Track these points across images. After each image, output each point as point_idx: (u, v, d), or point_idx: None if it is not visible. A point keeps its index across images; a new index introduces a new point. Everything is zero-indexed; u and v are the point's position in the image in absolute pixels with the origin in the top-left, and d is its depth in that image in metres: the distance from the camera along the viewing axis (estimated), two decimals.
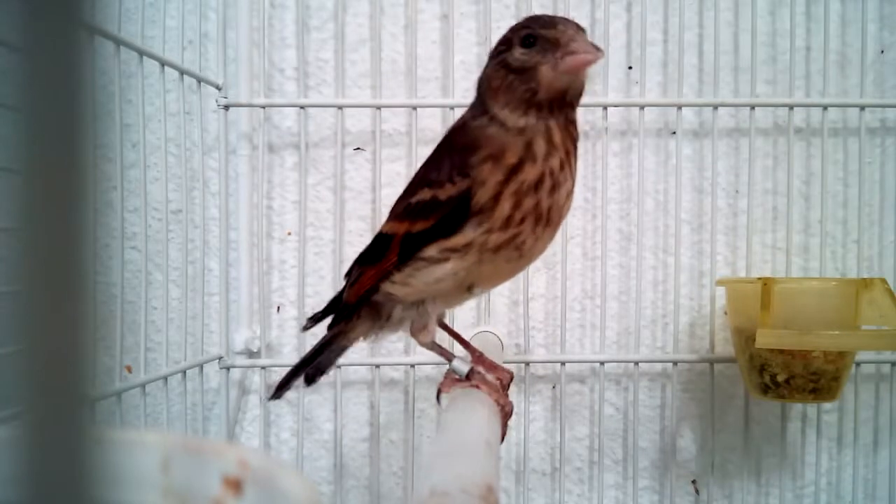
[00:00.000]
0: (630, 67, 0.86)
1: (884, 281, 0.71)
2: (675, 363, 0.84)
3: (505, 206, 0.48)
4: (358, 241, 0.86)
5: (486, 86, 0.50)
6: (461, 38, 0.86)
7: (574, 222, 0.86)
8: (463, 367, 0.55)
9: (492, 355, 0.61)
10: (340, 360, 0.82)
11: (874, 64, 0.85)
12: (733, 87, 0.86)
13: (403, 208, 0.52)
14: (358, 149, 0.86)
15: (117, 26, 0.66)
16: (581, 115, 0.85)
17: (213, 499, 0.30)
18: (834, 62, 0.85)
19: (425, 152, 0.85)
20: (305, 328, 0.65)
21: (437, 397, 0.57)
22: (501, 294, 0.86)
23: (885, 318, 0.70)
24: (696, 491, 0.87)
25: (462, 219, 0.49)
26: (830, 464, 0.87)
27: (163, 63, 0.74)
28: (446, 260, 0.50)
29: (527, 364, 0.84)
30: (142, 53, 0.69)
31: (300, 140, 0.83)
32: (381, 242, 0.54)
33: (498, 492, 0.36)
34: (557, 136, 0.49)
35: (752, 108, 0.82)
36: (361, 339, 0.60)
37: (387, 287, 0.54)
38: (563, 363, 0.84)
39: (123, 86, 0.67)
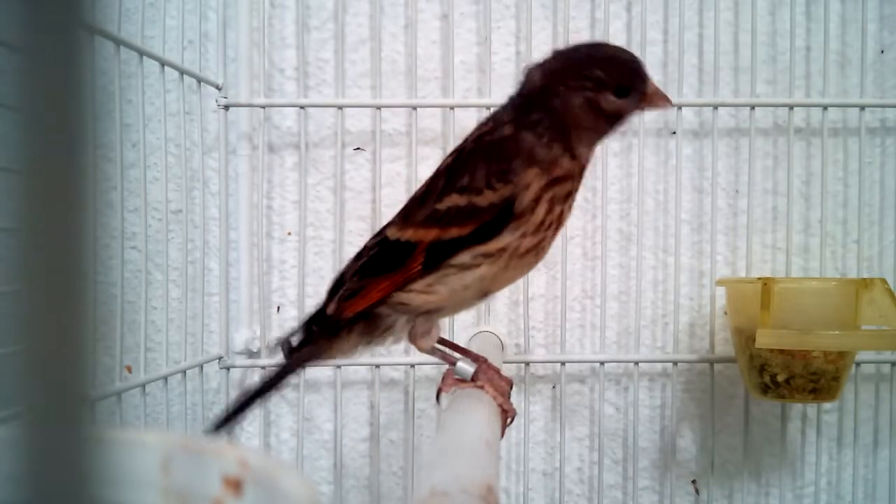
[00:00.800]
0: None
1: (884, 281, 0.71)
2: (675, 363, 0.84)
3: (540, 211, 0.51)
4: (358, 240, 0.86)
5: (568, 117, 0.52)
6: (461, 38, 0.86)
7: (574, 222, 0.86)
8: (469, 368, 0.55)
9: (492, 356, 0.61)
10: (341, 361, 0.83)
11: (874, 64, 0.85)
12: (733, 87, 0.86)
13: (429, 215, 0.52)
14: (358, 149, 0.86)
15: (117, 26, 0.66)
16: None
17: (213, 499, 0.30)
18: (834, 62, 0.85)
19: (425, 152, 0.86)
20: (277, 345, 0.61)
21: (437, 397, 0.57)
22: (501, 294, 0.86)
23: (885, 318, 0.70)
24: (696, 491, 0.87)
25: (502, 224, 0.51)
26: (830, 464, 0.87)
27: (163, 63, 0.74)
28: (478, 266, 0.51)
29: (527, 364, 0.84)
30: (142, 53, 0.69)
31: (300, 140, 0.83)
32: (396, 251, 0.53)
33: (498, 492, 0.36)
34: (586, 163, 0.54)
35: (752, 108, 0.82)
36: (341, 356, 0.57)
37: (401, 297, 0.53)
38: (563, 363, 0.84)
39: (123, 86, 0.67)
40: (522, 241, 0.51)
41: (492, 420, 0.50)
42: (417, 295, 0.52)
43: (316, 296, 0.86)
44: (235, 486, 0.29)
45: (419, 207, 0.53)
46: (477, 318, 0.86)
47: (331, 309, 0.55)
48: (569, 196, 0.53)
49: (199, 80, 0.80)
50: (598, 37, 0.85)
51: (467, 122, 0.86)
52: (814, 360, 0.71)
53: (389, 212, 0.85)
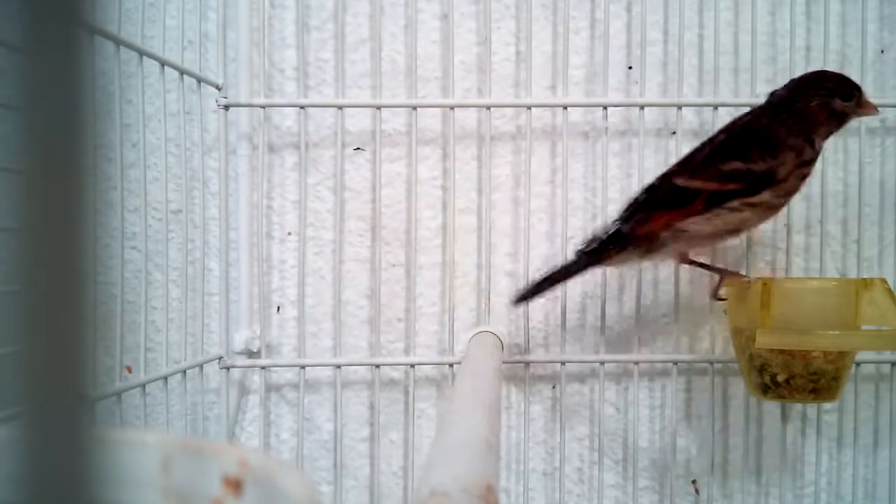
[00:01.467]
0: (630, 67, 0.86)
1: (884, 281, 0.71)
2: (675, 363, 0.84)
3: (790, 182, 0.71)
4: (358, 240, 0.86)
5: (809, 115, 0.71)
6: (461, 38, 0.86)
7: (574, 222, 0.86)
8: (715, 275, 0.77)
9: (492, 355, 0.61)
10: (340, 361, 0.83)
11: (874, 64, 0.85)
12: (733, 87, 0.86)
13: (713, 172, 0.71)
14: (358, 149, 0.86)
15: (117, 26, 0.66)
16: (581, 114, 0.86)
17: (213, 499, 0.30)
18: (834, 62, 0.85)
19: (425, 152, 0.86)
20: (583, 251, 0.75)
21: (715, 295, 0.79)
22: (501, 294, 0.86)
23: (885, 318, 0.70)
24: (696, 491, 0.87)
25: (764, 186, 0.70)
26: (830, 464, 0.87)
27: (163, 63, 0.74)
28: (741, 210, 0.71)
29: (527, 364, 0.84)
30: (142, 53, 0.69)
31: (300, 140, 0.83)
32: (683, 194, 0.72)
33: (498, 492, 0.36)
34: (819, 152, 0.73)
35: (752, 108, 0.82)
36: (619, 265, 0.77)
37: (681, 225, 0.72)
38: (563, 363, 0.84)
39: (123, 86, 0.67)
40: (773, 200, 0.71)
41: (492, 419, 0.50)
42: (693, 225, 0.71)
43: (316, 296, 0.86)
44: (235, 485, 0.29)
45: (706, 166, 0.72)
46: (477, 317, 0.86)
47: (625, 229, 0.73)
48: (806, 176, 0.72)
49: (199, 80, 0.80)
50: (598, 37, 0.85)
51: (467, 122, 0.86)
52: (814, 360, 0.71)
53: (389, 211, 0.86)
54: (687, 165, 0.75)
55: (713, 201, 0.71)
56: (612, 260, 0.75)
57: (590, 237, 0.76)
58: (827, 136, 0.73)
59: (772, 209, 0.73)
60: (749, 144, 0.72)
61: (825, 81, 0.72)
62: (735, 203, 0.71)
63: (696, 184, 0.73)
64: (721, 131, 0.75)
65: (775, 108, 0.73)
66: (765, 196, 0.72)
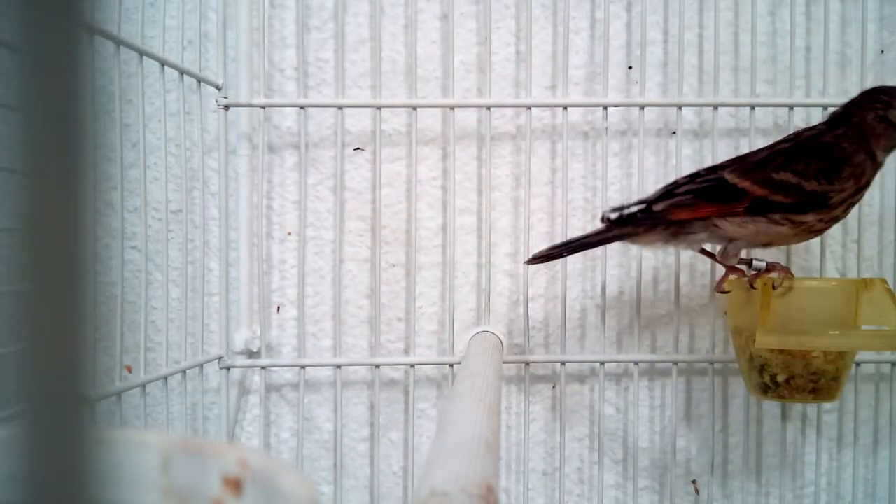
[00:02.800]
0: (630, 67, 0.86)
1: (884, 281, 0.71)
2: (675, 363, 0.84)
3: (837, 210, 0.69)
4: (358, 240, 0.86)
5: (866, 129, 0.69)
6: (461, 38, 0.86)
7: (574, 223, 0.86)
8: (762, 264, 0.73)
9: (492, 356, 0.61)
10: (340, 361, 0.83)
11: (874, 64, 0.85)
12: (733, 87, 0.86)
13: (765, 178, 0.70)
14: (358, 149, 0.86)
15: (117, 26, 0.66)
16: (581, 114, 0.86)
17: (213, 499, 0.30)
18: (834, 62, 0.85)
19: (425, 152, 0.86)
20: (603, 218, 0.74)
21: (719, 289, 0.76)
22: (501, 294, 0.86)
23: (885, 318, 0.70)
24: (696, 491, 0.87)
25: (812, 207, 0.69)
26: (830, 464, 0.87)
27: (163, 63, 0.74)
28: (782, 224, 0.69)
29: (527, 364, 0.84)
30: (142, 53, 0.69)
31: (300, 140, 0.83)
32: (729, 190, 0.70)
33: (498, 492, 0.36)
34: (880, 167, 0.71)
35: (752, 108, 0.82)
36: (643, 244, 0.74)
37: (717, 222, 0.71)
38: (563, 363, 0.84)
39: (123, 86, 0.67)
40: (816, 224, 0.70)
41: (492, 418, 0.50)
42: (730, 225, 0.70)
43: (316, 295, 0.86)
44: (235, 485, 0.29)
45: (758, 169, 0.70)
46: (477, 317, 0.86)
47: (660, 207, 0.71)
48: (855, 203, 0.70)
49: (199, 80, 0.80)
50: (598, 37, 0.85)
51: (467, 122, 0.86)
52: (814, 360, 0.71)
53: (389, 211, 0.86)
54: (740, 164, 0.73)
55: (757, 207, 0.70)
56: (639, 236, 0.73)
57: (618, 206, 0.74)
58: (889, 151, 0.71)
59: (813, 233, 0.71)
60: (809, 159, 0.70)
61: (879, 94, 0.71)
62: (777, 216, 0.70)
63: (744, 184, 0.71)
64: (786, 139, 0.74)
65: (830, 123, 0.72)
66: (809, 217, 0.70)
